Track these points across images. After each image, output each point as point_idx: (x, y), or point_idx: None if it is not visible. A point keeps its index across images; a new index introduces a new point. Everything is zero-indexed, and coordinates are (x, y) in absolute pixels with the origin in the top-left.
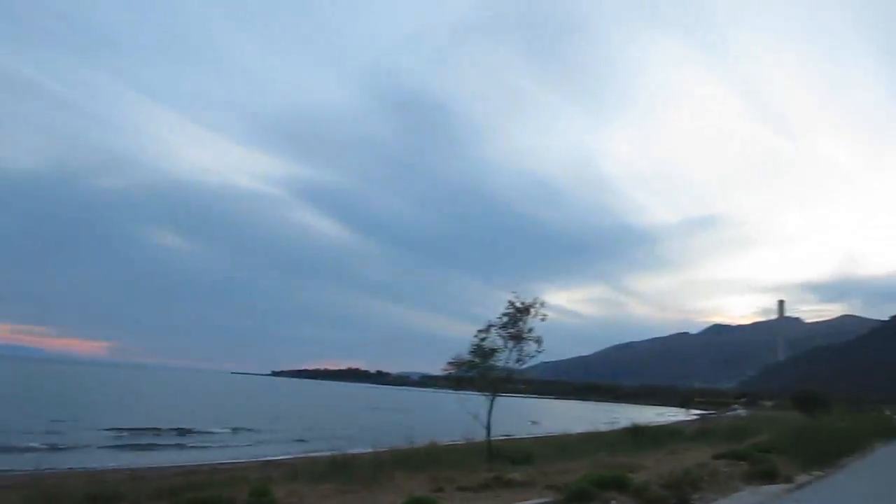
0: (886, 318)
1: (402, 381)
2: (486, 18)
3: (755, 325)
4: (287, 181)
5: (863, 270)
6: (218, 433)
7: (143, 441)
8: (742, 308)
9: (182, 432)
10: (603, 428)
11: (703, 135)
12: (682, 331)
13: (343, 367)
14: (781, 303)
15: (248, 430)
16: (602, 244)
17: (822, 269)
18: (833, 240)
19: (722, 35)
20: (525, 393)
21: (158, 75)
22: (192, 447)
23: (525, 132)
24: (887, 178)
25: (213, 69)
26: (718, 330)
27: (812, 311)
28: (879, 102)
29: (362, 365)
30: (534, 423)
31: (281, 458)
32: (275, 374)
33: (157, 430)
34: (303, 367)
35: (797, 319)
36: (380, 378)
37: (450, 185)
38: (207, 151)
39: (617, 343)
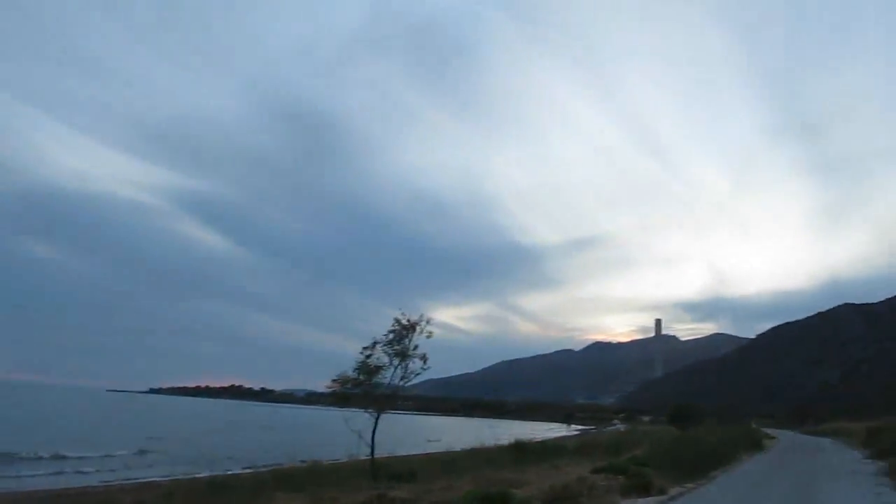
0: (753, 336)
1: (286, 398)
2: (375, 35)
3: (634, 342)
4: (170, 192)
5: (733, 291)
6: (92, 456)
7: (11, 464)
8: (622, 326)
9: (54, 455)
10: (488, 444)
11: (586, 158)
12: (566, 348)
13: (225, 383)
14: (658, 322)
15: (124, 451)
16: (489, 262)
17: (695, 289)
18: (705, 261)
19: (606, 65)
20: (411, 410)
21: (33, 77)
22: (65, 471)
23: (415, 149)
24: (753, 204)
25: (93, 74)
26: (600, 347)
27: (687, 330)
28: (748, 132)
29: (245, 382)
30: (431, 441)
31: (158, 479)
32: (153, 391)
33: (25, 453)
34: (182, 384)
35: (673, 337)
36: (264, 395)
37: (338, 199)
38: (85, 158)
39: (503, 360)
